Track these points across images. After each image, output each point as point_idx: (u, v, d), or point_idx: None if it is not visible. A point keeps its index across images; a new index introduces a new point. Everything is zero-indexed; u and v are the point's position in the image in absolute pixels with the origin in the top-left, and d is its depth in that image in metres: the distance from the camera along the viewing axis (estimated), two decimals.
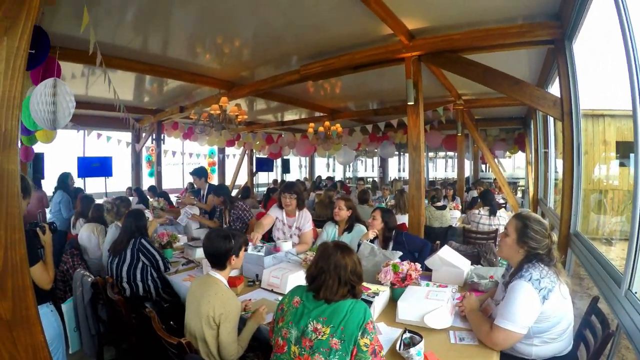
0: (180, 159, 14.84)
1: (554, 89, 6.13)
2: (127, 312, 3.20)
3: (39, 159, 8.85)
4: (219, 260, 2.81)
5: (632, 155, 2.87)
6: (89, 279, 3.61)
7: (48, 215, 7.34)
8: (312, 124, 12.24)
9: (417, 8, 4.79)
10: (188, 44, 6.10)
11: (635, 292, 2.61)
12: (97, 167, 11.04)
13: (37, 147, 7.07)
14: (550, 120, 7.96)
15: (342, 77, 7.48)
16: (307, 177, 20.72)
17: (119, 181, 12.32)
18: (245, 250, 3.30)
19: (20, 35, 1.91)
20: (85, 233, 5.05)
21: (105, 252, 4.40)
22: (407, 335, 2.31)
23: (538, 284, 2.28)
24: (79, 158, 10.89)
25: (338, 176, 22.35)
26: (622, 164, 9.96)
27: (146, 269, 4.05)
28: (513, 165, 19.74)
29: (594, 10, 3.84)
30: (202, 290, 2.64)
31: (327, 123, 11.63)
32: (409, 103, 5.63)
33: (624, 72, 2.77)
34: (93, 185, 11.36)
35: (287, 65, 7.04)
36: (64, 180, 7.51)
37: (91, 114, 10.87)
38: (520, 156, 16.08)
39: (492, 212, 6.52)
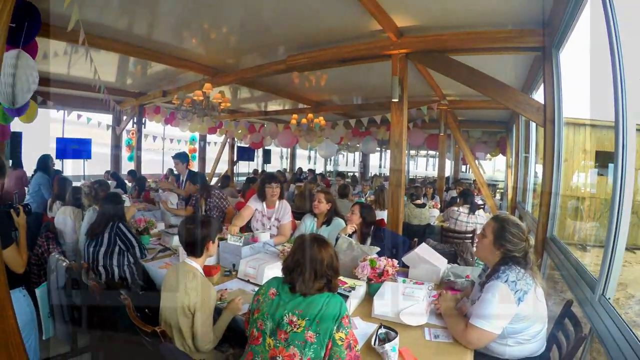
0: (161, 145, 14.68)
1: (538, 95, 6.19)
2: (102, 299, 3.15)
3: (16, 138, 8.66)
4: (195, 247, 2.77)
5: (611, 166, 2.91)
6: (64, 264, 3.53)
7: (26, 197, 7.20)
8: (295, 115, 12.19)
9: (408, 6, 4.79)
10: (175, 27, 6.02)
11: (609, 298, 2.65)
12: (76, 149, 10.85)
13: (14, 126, 6.91)
14: (533, 125, 8.04)
15: (328, 70, 7.47)
16: (287, 168, 20.67)
17: (97, 164, 12.12)
18: (220, 237, 3.27)
19: (0, 9, 1.85)
20: (61, 216, 4.96)
21: (82, 236, 4.33)
22: (383, 330, 2.31)
23: (514, 285, 2.31)
24: (57, 139, 10.69)
25: (319, 169, 22.35)
26: (600, 174, 10.14)
27: (123, 254, 3.99)
28: (493, 167, 19.98)
29: (582, 21, 3.87)
30: (178, 278, 2.61)
31: (310, 115, 11.59)
32: (393, 100, 5.63)
33: (609, 84, 2.80)
34: (69, 168, 11.17)
35: (274, 54, 6.98)
36: (46, 162, 7.35)
37: (72, 94, 10.68)
38: (500, 159, 16.26)
39: (471, 211, 6.59)
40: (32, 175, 7.35)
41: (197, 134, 15.71)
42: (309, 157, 22.77)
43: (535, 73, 6.26)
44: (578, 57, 4.80)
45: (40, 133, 10.04)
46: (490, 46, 5.09)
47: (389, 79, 5.66)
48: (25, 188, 7.55)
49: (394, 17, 5.04)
